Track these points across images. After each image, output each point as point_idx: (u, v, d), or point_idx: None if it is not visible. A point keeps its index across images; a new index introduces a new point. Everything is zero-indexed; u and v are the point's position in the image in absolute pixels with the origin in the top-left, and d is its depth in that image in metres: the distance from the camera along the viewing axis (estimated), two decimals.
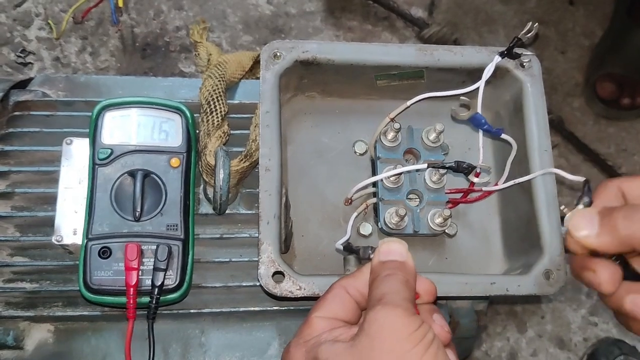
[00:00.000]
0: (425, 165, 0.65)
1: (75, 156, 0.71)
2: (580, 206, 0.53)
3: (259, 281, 0.62)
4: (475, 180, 0.68)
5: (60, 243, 0.68)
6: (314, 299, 0.62)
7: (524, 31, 0.67)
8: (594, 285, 0.51)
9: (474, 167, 0.66)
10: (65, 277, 0.71)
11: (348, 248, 0.58)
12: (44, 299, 0.71)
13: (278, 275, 0.61)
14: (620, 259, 0.51)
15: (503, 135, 0.69)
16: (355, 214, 0.70)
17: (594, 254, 0.51)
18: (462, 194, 0.72)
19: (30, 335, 0.71)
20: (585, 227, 0.50)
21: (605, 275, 0.50)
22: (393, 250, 0.51)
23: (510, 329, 1.33)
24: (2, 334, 0.69)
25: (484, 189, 0.71)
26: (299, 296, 0.61)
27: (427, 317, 0.51)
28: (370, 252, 0.53)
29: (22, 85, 0.82)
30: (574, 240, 0.51)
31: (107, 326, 0.72)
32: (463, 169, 0.65)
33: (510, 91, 0.74)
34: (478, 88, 0.69)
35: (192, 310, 0.72)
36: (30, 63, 1.32)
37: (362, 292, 0.51)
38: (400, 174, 0.68)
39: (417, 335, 0.45)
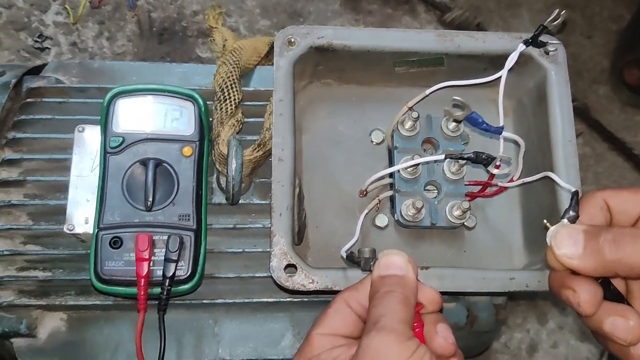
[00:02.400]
0: (443, 156, 0.63)
1: (88, 144, 0.70)
2: (565, 221, 0.50)
3: (270, 273, 0.60)
4: (495, 172, 0.65)
5: (71, 232, 0.67)
6: (327, 292, 0.61)
7: (550, 18, 0.64)
8: (572, 304, 0.48)
9: (494, 158, 0.63)
10: (77, 266, 0.70)
11: (350, 259, 0.57)
12: (56, 288, 0.71)
13: (290, 268, 0.60)
14: (602, 278, 0.49)
15: (505, 134, 0.65)
16: (365, 211, 0.68)
17: (575, 272, 0.48)
18: (479, 188, 0.69)
19: (43, 324, 0.71)
20: (569, 246, 0.47)
21: (585, 295, 0.47)
22: (392, 263, 0.50)
23: (530, 321, 1.30)
24: (15, 322, 0.69)
25: (499, 184, 0.68)
26: (311, 290, 0.60)
27: (432, 328, 0.49)
28: (371, 263, 0.52)
29: (36, 71, 0.82)
30: (555, 258, 0.48)
31: (120, 315, 0.72)
32: (482, 160, 0.62)
33: (534, 79, 0.72)
34: (499, 77, 0.67)
35: (205, 301, 0.71)
36: (47, 48, 1.32)
37: (364, 305, 0.50)
38: (417, 164, 0.66)
39: None
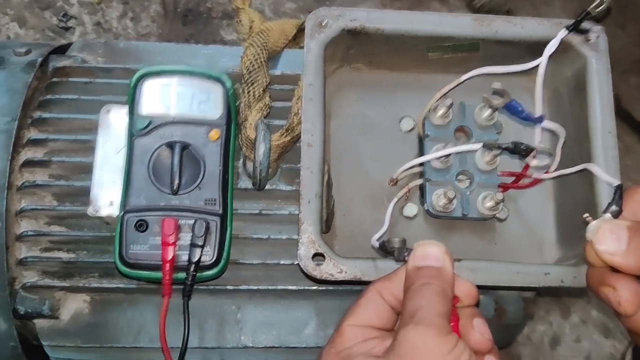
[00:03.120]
0: (479, 145, 0.61)
1: (113, 125, 0.69)
2: (608, 215, 0.47)
3: (298, 262, 0.59)
4: (533, 163, 0.63)
5: (96, 214, 0.66)
6: (356, 282, 0.59)
7: (594, 4, 0.62)
8: (612, 303, 0.46)
9: (533, 149, 0.61)
10: (101, 248, 0.69)
11: (383, 248, 0.55)
12: (80, 269, 0.70)
13: (318, 257, 0.59)
14: None
15: (545, 124, 0.63)
16: (395, 200, 0.66)
17: (616, 269, 0.46)
18: (513, 179, 0.67)
19: (66, 305, 0.71)
20: (611, 242, 0.45)
21: (626, 294, 0.45)
22: (429, 254, 0.48)
23: (553, 313, 1.28)
24: (37, 303, 0.69)
25: (533, 175, 0.66)
26: (339, 279, 0.58)
27: (467, 322, 0.48)
28: (406, 254, 0.50)
29: (61, 50, 0.80)
30: (596, 253, 0.46)
31: (144, 299, 0.71)
32: (520, 150, 0.60)
33: (573, 67, 0.69)
34: (538, 64, 0.64)
35: (228, 287, 0.70)
36: (71, 28, 1.31)
37: (397, 296, 0.48)
38: (450, 155, 0.64)
39: (450, 358, 0.42)
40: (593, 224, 0.47)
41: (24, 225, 0.70)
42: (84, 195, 0.69)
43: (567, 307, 1.29)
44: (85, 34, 1.30)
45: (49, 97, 0.73)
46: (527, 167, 0.66)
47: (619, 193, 0.48)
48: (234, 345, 0.71)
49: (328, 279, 0.58)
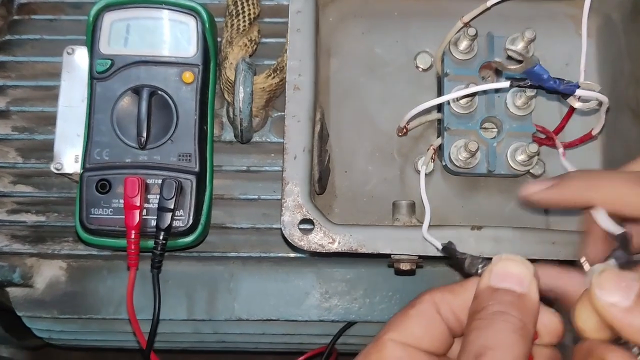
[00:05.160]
0: (508, 84, 0.49)
1: (78, 68, 0.60)
2: (612, 261, 0.35)
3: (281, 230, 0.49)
4: (577, 105, 0.50)
5: (59, 171, 0.59)
6: (352, 255, 0.50)
7: None
8: None
9: (576, 87, 0.48)
10: (73, 210, 0.61)
11: (449, 252, 0.42)
12: (51, 234, 0.64)
13: (306, 223, 0.49)
14: None
15: (579, 92, 0.49)
16: (423, 166, 0.55)
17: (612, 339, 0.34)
18: (545, 137, 0.55)
19: (40, 273, 0.65)
20: (614, 293, 0.33)
21: None
22: (511, 273, 0.36)
23: None
24: (7, 271, 0.63)
25: (563, 147, 0.54)
26: (331, 251, 0.48)
27: None
28: (480, 266, 0.38)
29: None
30: (593, 305, 0.34)
31: (124, 265, 0.64)
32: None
33: None
34: None
35: (215, 253, 0.63)
36: None
37: (458, 315, 0.37)
38: (472, 95, 0.52)
39: None
40: (596, 268, 0.36)
41: None
42: (51, 150, 0.61)
43: None
44: None
45: (8, 37, 0.65)
46: (571, 110, 0.53)
47: (625, 240, 0.36)
48: (227, 318, 0.65)
49: (317, 250, 0.48)
